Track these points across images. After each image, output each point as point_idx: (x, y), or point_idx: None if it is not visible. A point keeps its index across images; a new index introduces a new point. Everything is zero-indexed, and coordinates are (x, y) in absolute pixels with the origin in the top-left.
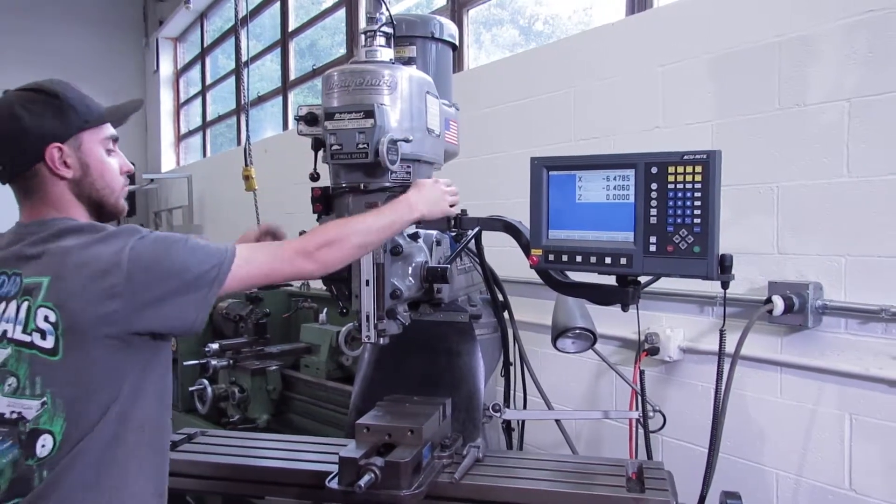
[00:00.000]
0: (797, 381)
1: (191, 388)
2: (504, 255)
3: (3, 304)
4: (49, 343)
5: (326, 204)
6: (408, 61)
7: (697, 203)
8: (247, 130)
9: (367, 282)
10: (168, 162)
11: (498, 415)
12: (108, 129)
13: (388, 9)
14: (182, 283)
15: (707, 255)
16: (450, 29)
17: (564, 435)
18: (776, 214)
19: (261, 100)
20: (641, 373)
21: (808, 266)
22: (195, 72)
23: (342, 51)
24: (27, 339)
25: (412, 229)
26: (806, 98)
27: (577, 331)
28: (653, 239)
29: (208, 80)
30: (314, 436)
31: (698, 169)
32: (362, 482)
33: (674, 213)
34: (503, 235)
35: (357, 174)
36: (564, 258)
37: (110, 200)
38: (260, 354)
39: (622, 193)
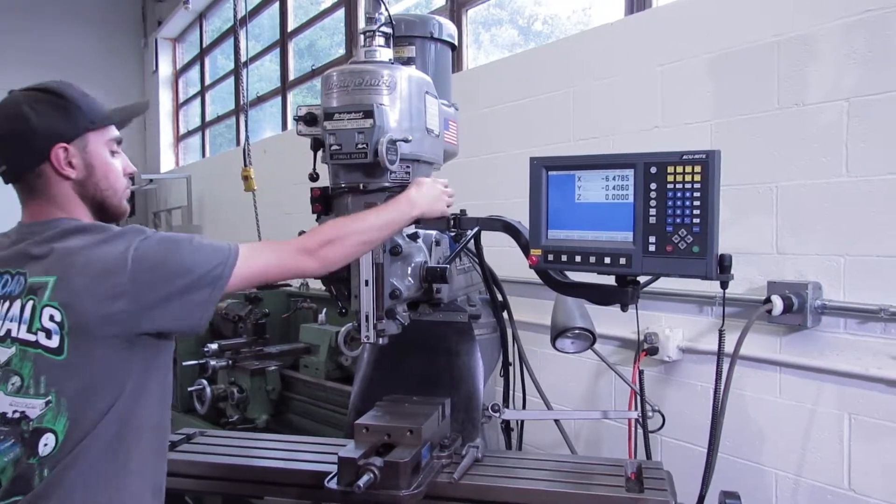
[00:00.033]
0: (796, 380)
1: (190, 389)
2: (503, 255)
3: (7, 302)
4: (54, 342)
5: (326, 204)
6: (407, 61)
7: (697, 203)
8: (246, 131)
9: (367, 282)
10: (167, 162)
11: (497, 415)
12: (113, 131)
13: (387, 9)
14: (187, 283)
15: (706, 254)
16: (449, 29)
17: (563, 435)
18: (775, 214)
19: (260, 100)
20: (640, 373)
21: (808, 266)
22: (194, 72)
23: (341, 51)
24: (32, 338)
25: (411, 229)
26: (805, 98)
27: (577, 331)
28: (652, 239)
29: (207, 81)
30: (313, 436)
31: (697, 169)
32: (361, 482)
33: (673, 213)
34: (502, 235)
35: (356, 174)
36: (564, 258)
37: (113, 201)
38: (259, 355)
39: (621, 193)
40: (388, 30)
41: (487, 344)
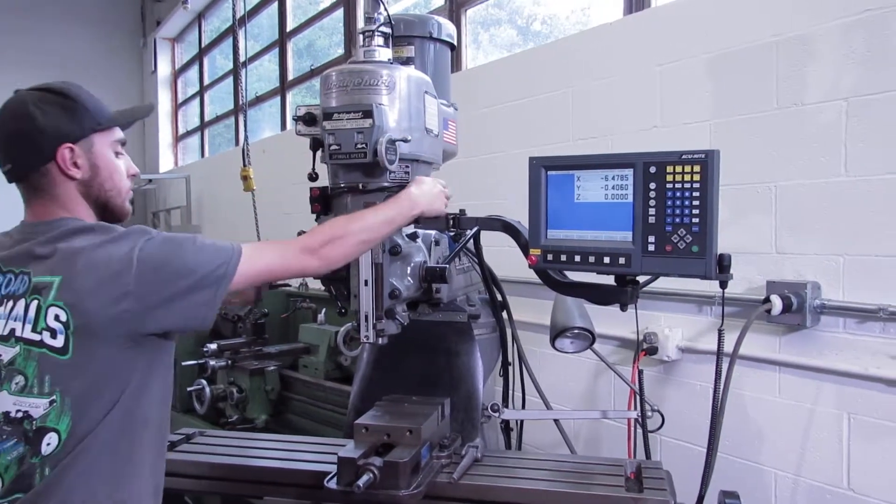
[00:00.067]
0: (795, 380)
1: (189, 389)
2: (503, 255)
3: (11, 302)
4: (59, 342)
5: (325, 204)
6: (406, 61)
7: (696, 202)
8: (245, 131)
9: (366, 282)
10: (166, 162)
11: (496, 415)
12: (118, 133)
13: (386, 9)
14: (191, 283)
15: (705, 254)
16: (448, 29)
17: (563, 435)
18: (774, 214)
19: (259, 100)
20: (640, 372)
21: (807, 265)
22: (193, 72)
23: (340, 51)
24: (37, 337)
25: (410, 229)
26: (804, 98)
27: (576, 330)
28: (651, 238)
29: (206, 81)
30: (313, 436)
31: (696, 168)
32: (361, 482)
33: (672, 213)
34: (502, 235)
35: (355, 174)
36: (563, 258)
37: (117, 202)
38: (258, 355)
39: (621, 193)
40: (388, 30)
41: (487, 344)
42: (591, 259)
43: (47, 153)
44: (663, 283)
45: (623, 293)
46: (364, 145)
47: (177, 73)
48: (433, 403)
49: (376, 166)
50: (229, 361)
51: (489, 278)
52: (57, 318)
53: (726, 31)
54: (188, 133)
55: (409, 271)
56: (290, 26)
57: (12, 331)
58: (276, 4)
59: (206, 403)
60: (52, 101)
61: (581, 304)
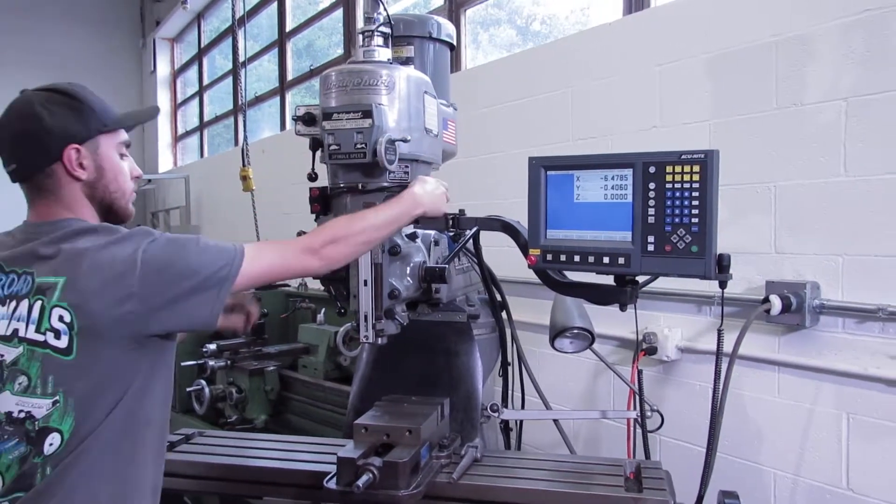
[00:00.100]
0: (795, 380)
1: (188, 389)
2: (502, 255)
3: (14, 302)
4: (63, 343)
5: (324, 204)
6: (406, 61)
7: (695, 202)
8: (244, 131)
9: (366, 282)
10: (165, 162)
11: (496, 415)
12: (123, 134)
13: (385, 9)
14: (194, 284)
15: (705, 254)
16: (447, 29)
17: (562, 435)
18: (773, 214)
19: (258, 100)
20: (639, 372)
21: (806, 265)
22: (192, 72)
23: (339, 51)
24: (40, 338)
25: (410, 229)
26: (803, 98)
27: (575, 330)
28: (651, 238)
29: (205, 81)
30: (312, 436)
31: (696, 168)
32: (360, 482)
33: (672, 213)
34: (501, 235)
35: (355, 174)
36: (562, 258)
37: (121, 204)
38: (258, 355)
39: (620, 193)
40: (387, 30)
41: (486, 344)
42: (591, 259)
43: (54, 154)
44: (663, 283)
45: (622, 293)
46: (363, 145)
47: (176, 74)
48: (432, 403)
49: (376, 166)
50: (228, 362)
51: (488, 278)
52: (61, 318)
53: (726, 31)
54: (187, 133)
55: (408, 271)
56: (289, 26)
57: (15, 331)
58: (275, 4)
59: (205, 404)
60: (59, 102)
61: (580, 304)
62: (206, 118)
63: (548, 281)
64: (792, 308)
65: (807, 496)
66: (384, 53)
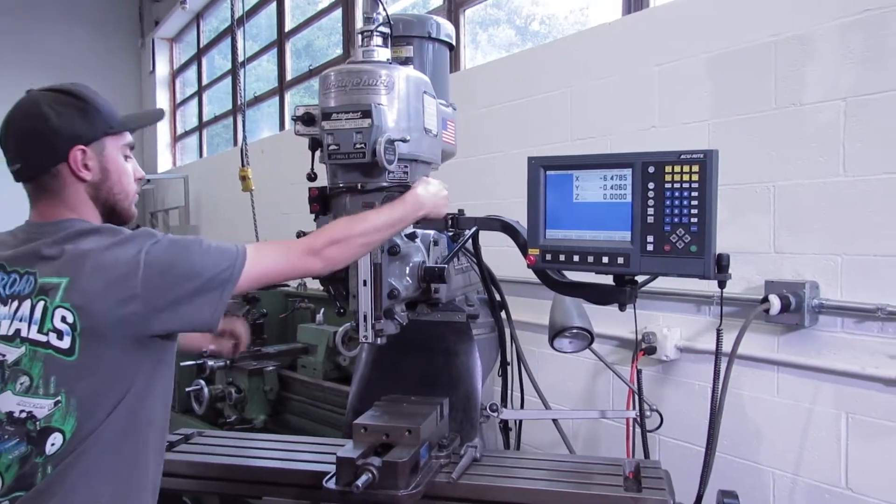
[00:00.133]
0: (794, 380)
1: (187, 389)
2: (501, 255)
3: (16, 302)
4: (65, 343)
5: (324, 204)
6: (405, 61)
7: (694, 202)
8: (243, 131)
9: (365, 282)
10: (164, 162)
11: (495, 414)
12: (128, 136)
13: (384, 9)
14: (197, 285)
15: (704, 254)
16: (447, 29)
17: (562, 434)
18: (773, 214)
19: (257, 100)
20: (638, 372)
21: (805, 265)
22: (191, 72)
23: (338, 51)
24: (43, 338)
25: (409, 229)
26: (802, 97)
27: (575, 330)
28: (650, 238)
29: (204, 81)
30: (311, 436)
31: (695, 168)
32: (360, 482)
33: (671, 213)
34: (500, 235)
35: (354, 174)
36: (562, 258)
37: (124, 205)
38: (257, 355)
39: (619, 193)
40: (386, 30)
41: (486, 344)
42: (590, 259)
43: (60, 154)
44: (662, 283)
45: (622, 293)
46: (363, 145)
47: (175, 74)
48: (432, 403)
49: (375, 166)
50: (227, 362)
51: (488, 278)
52: (64, 319)
53: (725, 31)
54: (186, 133)
55: (407, 271)
56: (288, 26)
57: (17, 331)
58: (274, 4)
59: (204, 404)
60: (66, 103)
61: (580, 304)
62: (205, 118)
63: (547, 281)
64: (791, 308)
65: (806, 495)
66: (383, 53)
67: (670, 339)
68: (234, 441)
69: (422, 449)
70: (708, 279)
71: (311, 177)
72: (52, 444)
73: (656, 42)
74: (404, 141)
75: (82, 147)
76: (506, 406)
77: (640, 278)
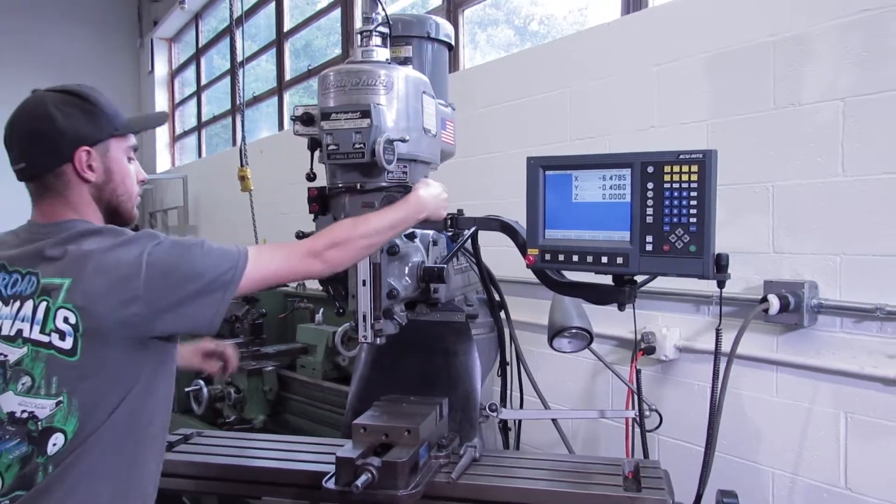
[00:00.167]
0: (793, 379)
1: (187, 389)
2: (500, 255)
3: (18, 302)
4: (67, 344)
5: (323, 204)
6: (404, 61)
7: (693, 202)
8: (242, 131)
9: (364, 282)
10: (163, 163)
11: (494, 414)
12: (132, 139)
13: (384, 9)
14: (199, 287)
15: (703, 254)
16: (446, 29)
17: (561, 434)
18: (771, 214)
19: (256, 100)
20: (638, 372)
21: (804, 265)
22: (190, 72)
23: (337, 51)
24: (45, 339)
25: (408, 229)
26: (801, 97)
27: (574, 330)
28: (649, 238)
29: (203, 81)
30: (311, 436)
31: (694, 168)
32: (359, 482)
33: (670, 213)
34: (499, 235)
35: (353, 174)
36: (561, 258)
37: (127, 207)
38: (256, 355)
39: (618, 193)
40: (385, 30)
41: (485, 344)
42: (589, 259)
43: (65, 155)
44: (661, 283)
45: (621, 293)
46: (362, 145)
47: (174, 74)
48: (431, 403)
49: (374, 166)
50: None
51: (487, 278)
52: (66, 320)
53: (723, 31)
54: (185, 133)
55: (407, 271)
56: (287, 26)
57: (19, 331)
58: (273, 4)
59: (203, 404)
60: (72, 104)
61: (579, 304)
62: (203, 118)
63: (546, 281)
64: (790, 308)
65: (805, 495)
66: (382, 53)
67: (669, 338)
68: (234, 441)
69: (421, 449)
70: (707, 279)
71: (310, 177)
72: (54, 445)
73: (655, 42)
74: (403, 141)
75: (87, 148)
76: (505, 406)
77: (639, 278)
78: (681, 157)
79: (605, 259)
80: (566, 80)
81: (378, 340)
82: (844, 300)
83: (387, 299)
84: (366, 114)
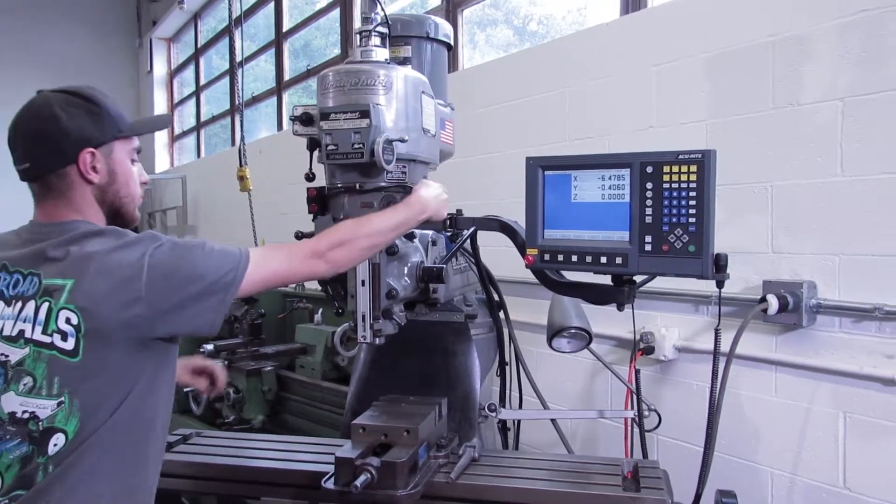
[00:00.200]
0: (792, 379)
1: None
2: (500, 255)
3: (20, 303)
4: (69, 345)
5: (322, 204)
6: (403, 61)
7: (692, 202)
8: (241, 131)
9: (363, 282)
10: (162, 163)
11: (494, 414)
12: (136, 141)
13: (383, 9)
14: (200, 289)
15: (702, 254)
16: (445, 29)
17: (560, 434)
18: (770, 214)
19: (255, 100)
20: (637, 372)
21: (803, 265)
22: (189, 72)
23: (336, 51)
24: (47, 339)
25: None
26: (800, 98)
27: (573, 330)
28: (648, 238)
29: (202, 81)
30: (310, 436)
31: (693, 168)
32: (358, 482)
33: (669, 213)
34: (499, 235)
35: (353, 174)
36: (560, 258)
37: (129, 209)
38: (255, 355)
39: (617, 193)
40: (384, 30)
41: (484, 344)
42: (588, 259)
43: (69, 156)
44: (660, 283)
45: (620, 293)
46: (361, 145)
47: (173, 74)
48: (430, 403)
49: (373, 166)
50: (226, 362)
51: (486, 278)
52: (68, 321)
53: (723, 31)
54: (184, 133)
55: (406, 271)
56: (286, 26)
57: (21, 332)
58: (272, 4)
59: (202, 404)
60: (77, 105)
61: (578, 304)
62: (202, 118)
63: (545, 281)
64: (789, 307)
65: (804, 495)
66: (381, 53)
67: (668, 338)
68: (233, 441)
69: (420, 449)
70: (706, 279)
71: (310, 177)
72: (55, 445)
73: (654, 42)
74: (402, 141)
75: (91, 150)
76: (504, 406)
77: (638, 278)
78: (680, 157)
79: (604, 259)
80: (565, 80)
81: (377, 340)
82: (843, 300)
83: (386, 299)
84: (365, 114)
